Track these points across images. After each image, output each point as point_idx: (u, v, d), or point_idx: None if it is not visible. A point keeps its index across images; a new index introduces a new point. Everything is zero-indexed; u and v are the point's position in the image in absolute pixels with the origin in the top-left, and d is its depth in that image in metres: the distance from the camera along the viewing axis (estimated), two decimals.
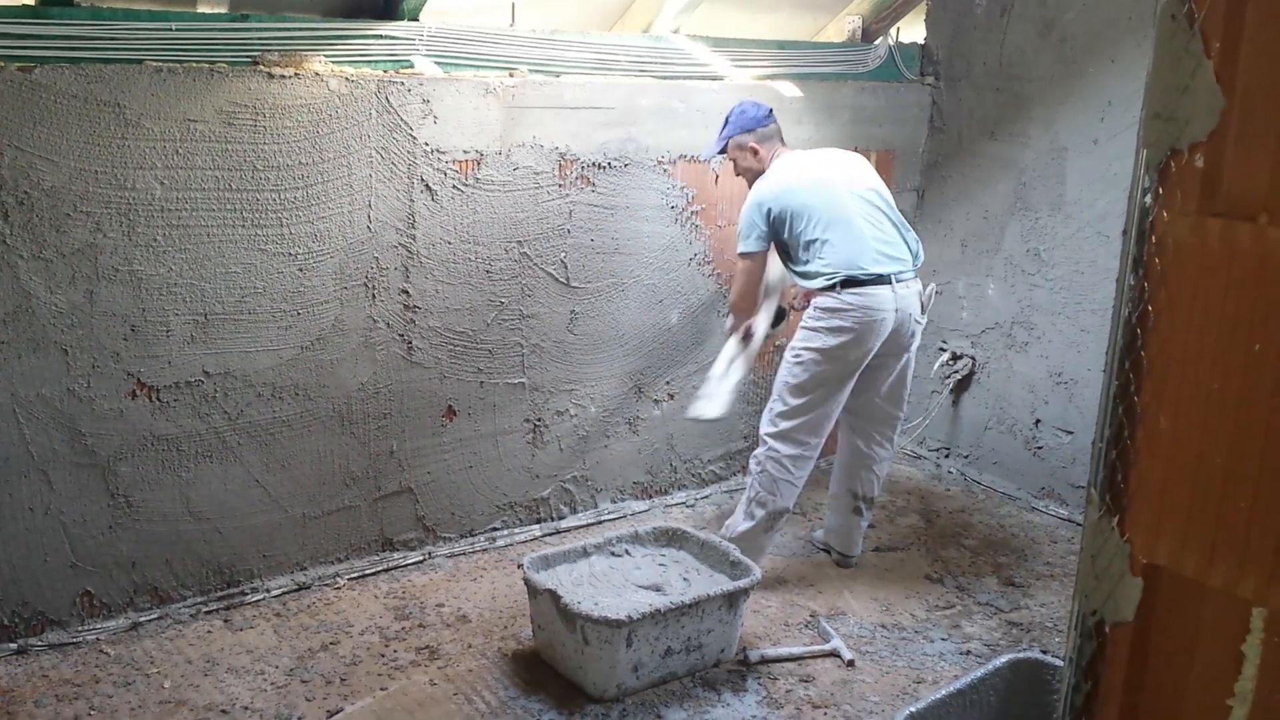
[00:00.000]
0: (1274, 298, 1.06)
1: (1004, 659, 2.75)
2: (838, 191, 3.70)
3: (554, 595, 3.11)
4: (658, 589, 3.37)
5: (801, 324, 3.74)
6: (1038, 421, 4.64)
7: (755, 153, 3.84)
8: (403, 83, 3.53)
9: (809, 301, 3.76)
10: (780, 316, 4.15)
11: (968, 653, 3.46)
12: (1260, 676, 1.11)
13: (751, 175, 3.87)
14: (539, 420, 4.13)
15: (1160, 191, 1.13)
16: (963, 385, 4.93)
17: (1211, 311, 1.10)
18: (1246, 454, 1.08)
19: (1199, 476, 1.11)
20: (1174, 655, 1.16)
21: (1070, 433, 4.51)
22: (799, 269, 3.76)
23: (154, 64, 3.13)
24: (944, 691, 2.61)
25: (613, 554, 3.54)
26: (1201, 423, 1.11)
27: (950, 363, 4.94)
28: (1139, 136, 1.14)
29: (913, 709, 2.51)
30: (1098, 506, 1.18)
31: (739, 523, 3.82)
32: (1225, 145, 1.11)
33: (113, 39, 3.07)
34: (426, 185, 3.65)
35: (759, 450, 3.78)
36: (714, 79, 4.28)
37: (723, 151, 3.92)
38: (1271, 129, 1.09)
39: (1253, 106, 1.10)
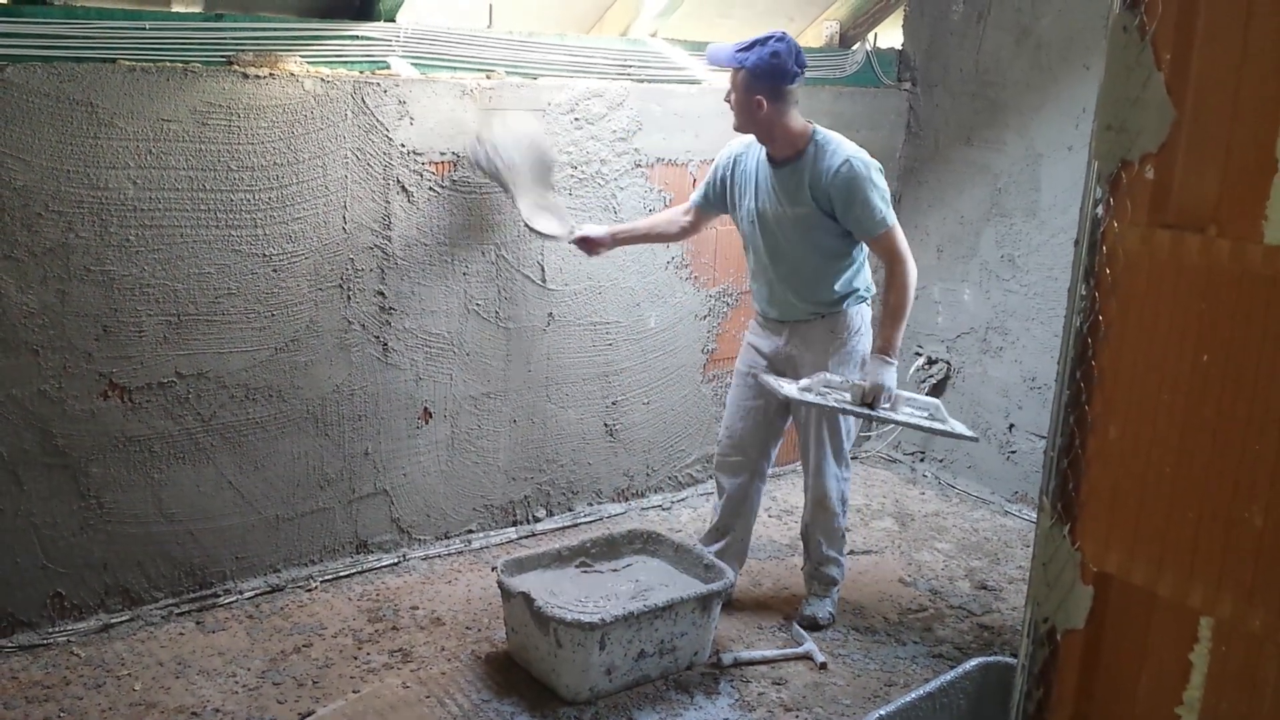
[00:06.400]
0: (1222, 309, 1.07)
1: (974, 663, 2.75)
2: None
3: (527, 598, 3.11)
4: (631, 592, 3.38)
5: (845, 341, 3.49)
6: (1011, 426, 4.67)
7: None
8: (379, 84, 3.53)
9: None
10: None
11: (939, 656, 3.48)
12: (1208, 685, 1.12)
13: (772, 126, 3.26)
14: (515, 422, 4.13)
15: (1111, 202, 1.14)
16: (938, 389, 4.95)
17: (1161, 322, 1.10)
18: (1194, 465, 1.09)
19: (1148, 486, 1.12)
20: (1124, 663, 1.17)
21: (1043, 437, 4.51)
22: (846, 267, 3.48)
23: (127, 63, 3.12)
24: (914, 694, 2.61)
25: (588, 557, 3.54)
26: (1150, 433, 1.12)
27: (925, 367, 4.97)
28: (1090, 147, 1.15)
29: (882, 712, 2.51)
30: (1049, 515, 1.19)
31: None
32: (1176, 157, 1.12)
33: (86, 37, 3.06)
34: (402, 187, 3.64)
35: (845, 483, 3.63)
36: (691, 83, 4.28)
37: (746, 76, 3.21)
38: (1221, 141, 1.09)
39: (1203, 118, 1.11)
